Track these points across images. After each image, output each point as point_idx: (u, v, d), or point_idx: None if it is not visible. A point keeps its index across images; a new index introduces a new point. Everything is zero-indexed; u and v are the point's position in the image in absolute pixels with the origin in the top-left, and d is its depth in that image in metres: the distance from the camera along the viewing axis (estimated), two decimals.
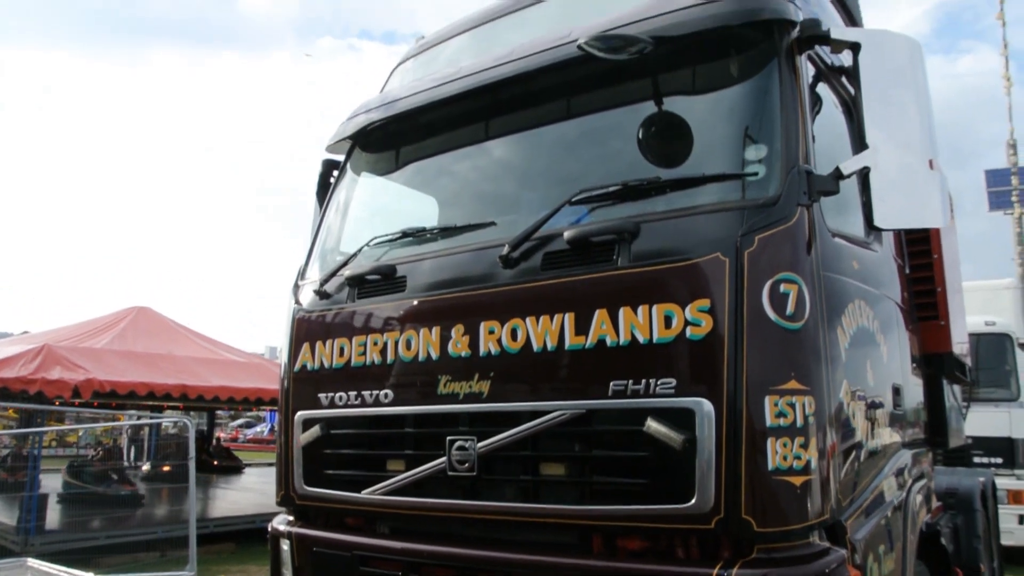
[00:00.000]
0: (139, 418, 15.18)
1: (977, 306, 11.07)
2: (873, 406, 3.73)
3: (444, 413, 3.67)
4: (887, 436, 3.94)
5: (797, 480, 2.96)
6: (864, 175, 3.37)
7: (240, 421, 49.11)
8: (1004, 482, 10.43)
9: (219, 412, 25.63)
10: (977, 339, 10.65)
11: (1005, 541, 9.51)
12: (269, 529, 4.45)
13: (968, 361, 6.65)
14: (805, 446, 2.99)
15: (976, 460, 10.43)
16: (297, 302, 4.52)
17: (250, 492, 18.22)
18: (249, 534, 12.92)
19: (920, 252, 5.53)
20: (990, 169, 25.60)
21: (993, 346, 11.33)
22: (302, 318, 4.44)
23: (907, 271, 5.11)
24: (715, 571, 2.95)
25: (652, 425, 3.08)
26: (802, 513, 2.98)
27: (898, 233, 5.06)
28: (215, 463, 23.25)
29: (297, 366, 4.36)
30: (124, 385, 12.39)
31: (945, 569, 4.68)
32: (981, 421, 10.13)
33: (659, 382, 3.11)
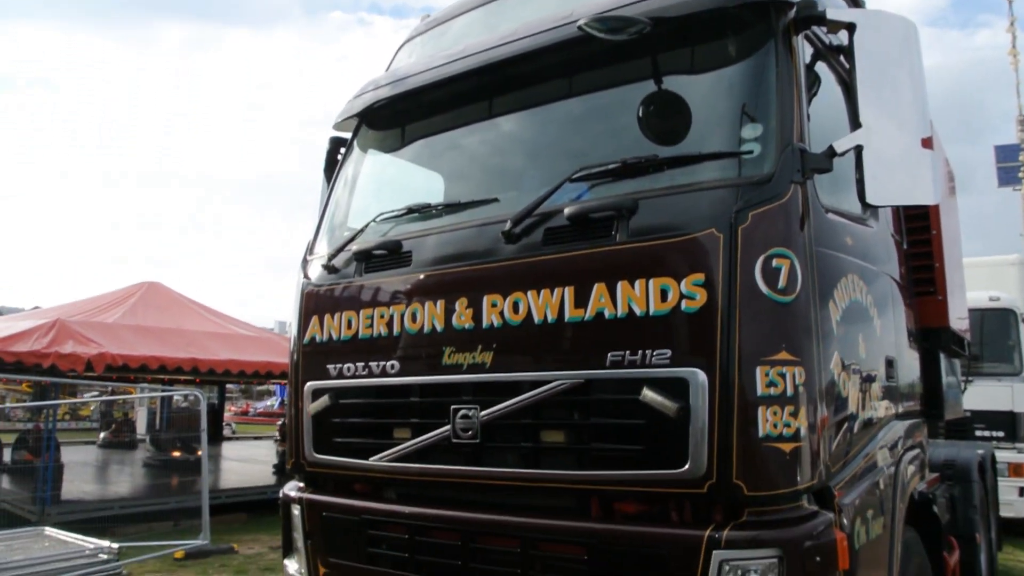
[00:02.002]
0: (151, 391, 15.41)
1: (982, 282, 11.14)
2: (865, 377, 3.84)
3: (448, 383, 3.80)
4: (879, 407, 4.04)
5: (786, 447, 3.08)
6: (858, 153, 3.46)
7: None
8: (1005, 455, 10.53)
9: (229, 386, 25.84)
10: (981, 314, 10.74)
11: (1005, 513, 9.65)
12: (281, 495, 4.61)
13: (967, 336, 6.74)
14: (795, 414, 3.10)
15: (978, 433, 10.54)
16: (306, 276, 4.64)
17: (261, 464, 18.50)
18: (260, 505, 13.17)
19: (919, 228, 5.60)
20: (1000, 144, 25.46)
21: (997, 321, 11.40)
22: (311, 292, 4.57)
23: (905, 247, 5.19)
24: (706, 533, 3.08)
25: (648, 394, 3.19)
26: (791, 478, 3.10)
27: (896, 209, 5.13)
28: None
29: (306, 338, 4.49)
30: (136, 359, 12.56)
31: (937, 536, 4.79)
32: (984, 395, 10.24)
33: (655, 353, 3.23)
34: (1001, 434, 11.01)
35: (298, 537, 4.41)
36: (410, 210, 4.30)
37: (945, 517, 5.94)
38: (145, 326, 14.32)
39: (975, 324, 10.52)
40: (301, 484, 4.56)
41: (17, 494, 13.23)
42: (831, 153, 3.43)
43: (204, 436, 11.39)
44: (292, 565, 4.49)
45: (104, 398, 18.29)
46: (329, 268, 4.48)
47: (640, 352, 3.26)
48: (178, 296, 17.30)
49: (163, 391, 14.25)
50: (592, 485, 3.40)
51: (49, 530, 10.63)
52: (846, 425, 3.56)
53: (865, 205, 3.70)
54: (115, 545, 9.55)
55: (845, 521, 3.27)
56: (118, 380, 15.48)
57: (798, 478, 3.11)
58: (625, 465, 3.28)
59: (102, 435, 21.35)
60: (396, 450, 3.94)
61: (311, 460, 4.35)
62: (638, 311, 3.29)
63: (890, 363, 4.28)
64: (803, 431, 3.12)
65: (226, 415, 25.99)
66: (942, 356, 5.75)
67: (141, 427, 24.26)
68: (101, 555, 9.36)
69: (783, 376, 3.11)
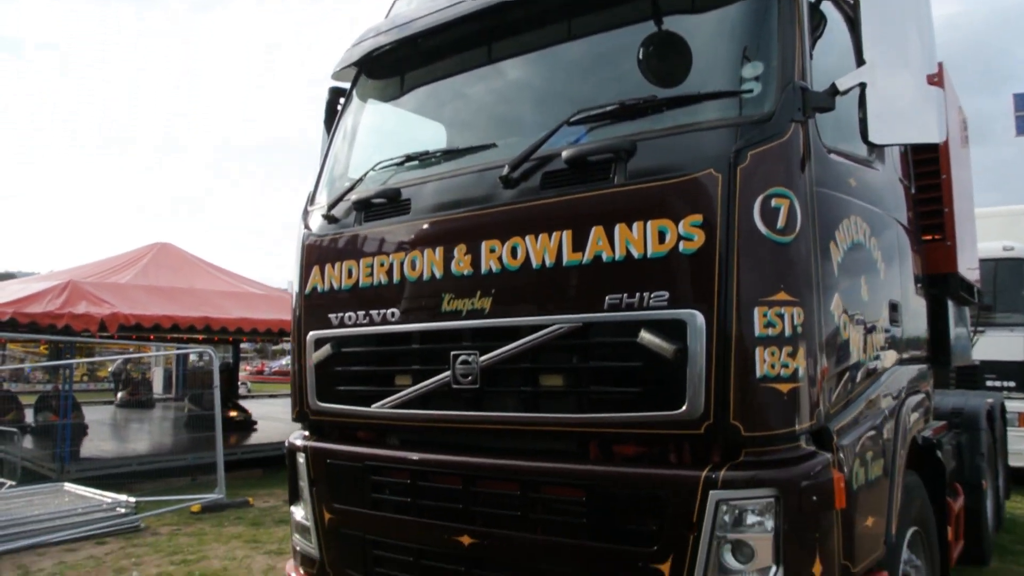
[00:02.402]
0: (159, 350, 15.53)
1: (996, 232, 11.02)
2: (867, 320, 3.81)
3: (448, 329, 3.81)
4: (881, 350, 4.02)
5: (784, 388, 3.07)
6: (861, 91, 3.40)
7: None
8: (1016, 405, 10.48)
9: (244, 346, 25.97)
10: (995, 264, 10.64)
11: (1015, 463, 9.66)
12: (287, 444, 4.66)
13: (977, 284, 6.67)
14: (793, 355, 3.09)
15: (989, 384, 10.51)
16: (307, 227, 4.64)
17: (277, 422, 18.67)
18: (276, 461, 13.27)
19: (929, 173, 5.52)
20: (1018, 92, 24.91)
21: (1010, 271, 11.27)
22: (311, 243, 4.56)
23: (913, 191, 5.12)
24: (703, 474, 3.09)
25: (645, 336, 3.18)
26: (788, 419, 3.09)
27: (904, 153, 5.06)
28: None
29: (308, 289, 4.50)
30: (149, 318, 12.61)
31: (941, 482, 4.79)
32: (996, 345, 10.20)
33: (652, 295, 3.21)
34: (1012, 384, 10.97)
35: (304, 485, 4.47)
36: (408, 158, 4.28)
37: (951, 464, 5.95)
38: (157, 286, 14.40)
39: (988, 274, 10.42)
40: (306, 433, 4.61)
41: (39, 453, 13.45)
42: (833, 91, 3.38)
43: (217, 393, 11.50)
44: (299, 512, 4.56)
45: (119, 356, 18.48)
46: (329, 218, 4.47)
47: (638, 295, 3.25)
48: (190, 256, 17.35)
49: (177, 350, 14.34)
50: (591, 428, 3.41)
51: (68, 486, 10.86)
52: (847, 367, 3.54)
53: (870, 145, 3.66)
54: (132, 499, 9.76)
55: (843, 462, 3.27)
56: (134, 340, 15.57)
57: (796, 419, 3.11)
58: (623, 408, 3.28)
59: (120, 395, 21.66)
60: (397, 397, 3.96)
61: (315, 408, 4.39)
62: (636, 253, 3.27)
63: (894, 307, 4.25)
64: (801, 372, 3.11)
65: (241, 374, 26.15)
66: (950, 303, 5.70)
67: (158, 387, 24.60)
68: (119, 509, 9.59)
69: (781, 317, 3.08)
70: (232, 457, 12.60)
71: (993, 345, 10.12)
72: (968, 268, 6.12)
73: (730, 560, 3.07)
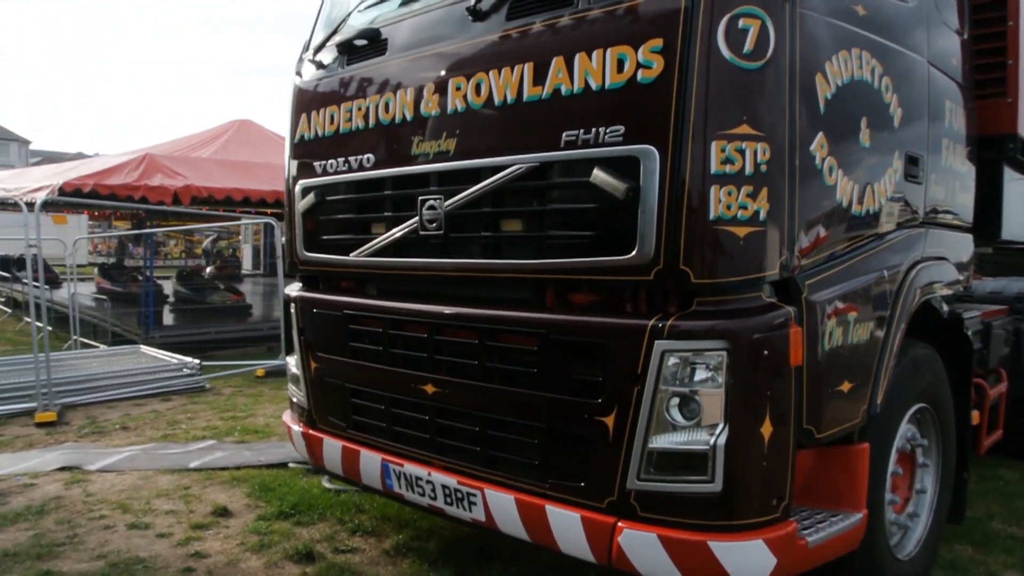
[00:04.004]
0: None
1: None
2: (865, 170, 3.42)
3: (416, 173, 3.65)
4: (888, 206, 3.61)
5: (740, 231, 2.80)
6: None
7: None
8: None
9: None
10: None
11: None
12: (283, 296, 4.68)
13: None
14: (753, 196, 2.80)
15: None
16: (299, 74, 4.50)
17: None
18: None
19: (993, 19, 4.88)
20: None
21: None
22: (302, 90, 4.44)
23: (965, 36, 4.53)
24: (650, 323, 2.88)
25: (598, 175, 2.94)
26: (744, 266, 2.84)
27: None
28: None
29: (296, 138, 4.41)
30: (220, 191, 12.87)
31: (967, 361, 4.40)
32: None
33: (608, 130, 2.95)
34: None
35: (295, 333, 4.49)
36: None
37: (1002, 350, 5.50)
38: (232, 161, 14.66)
39: None
40: (300, 284, 4.61)
41: (128, 320, 14.15)
42: None
43: (280, 264, 11.76)
44: (292, 362, 4.60)
45: (203, 226, 19.09)
46: (316, 64, 4.33)
47: (594, 130, 2.98)
48: (269, 133, 17.55)
49: (254, 220, 14.62)
50: (544, 274, 3.23)
51: (145, 348, 11.52)
52: (829, 216, 3.20)
53: None
54: (196, 361, 10.25)
55: (813, 319, 2.98)
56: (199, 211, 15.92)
57: (753, 267, 2.84)
58: (576, 253, 3.08)
59: (208, 269, 22.50)
60: (371, 245, 3.87)
61: (302, 259, 4.37)
62: (594, 85, 2.99)
63: (913, 161, 3.81)
64: (763, 215, 2.82)
65: None
66: (1007, 169, 5.13)
67: (247, 263, 25.50)
68: (185, 370, 10.10)
69: (742, 152, 2.78)
70: None
71: None
72: None
73: (676, 415, 2.87)
